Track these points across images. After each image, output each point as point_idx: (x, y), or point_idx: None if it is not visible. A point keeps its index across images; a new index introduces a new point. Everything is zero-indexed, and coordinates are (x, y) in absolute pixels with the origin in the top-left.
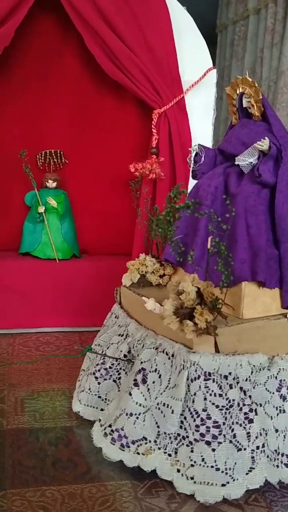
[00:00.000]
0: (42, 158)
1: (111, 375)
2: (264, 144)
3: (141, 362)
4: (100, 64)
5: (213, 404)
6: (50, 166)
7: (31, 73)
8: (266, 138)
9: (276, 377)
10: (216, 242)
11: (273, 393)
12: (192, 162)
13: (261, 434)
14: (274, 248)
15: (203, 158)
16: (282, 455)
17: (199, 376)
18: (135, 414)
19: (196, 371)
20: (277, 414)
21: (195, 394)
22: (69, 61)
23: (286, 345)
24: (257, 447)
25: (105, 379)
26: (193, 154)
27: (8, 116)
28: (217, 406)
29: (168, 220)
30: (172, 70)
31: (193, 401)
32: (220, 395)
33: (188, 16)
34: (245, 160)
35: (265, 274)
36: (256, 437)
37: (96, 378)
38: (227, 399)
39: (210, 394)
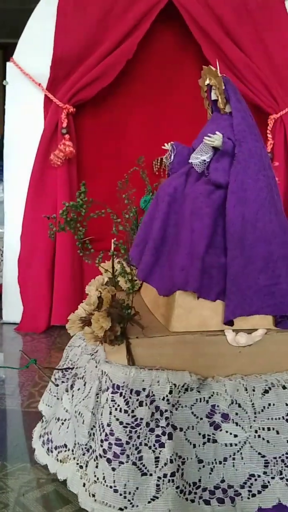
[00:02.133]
0: (158, 163)
1: (67, 379)
2: (214, 139)
3: (77, 368)
4: None
5: (117, 420)
6: (166, 172)
7: (151, 84)
8: (217, 132)
9: (207, 401)
10: (116, 244)
11: (201, 418)
12: (170, 161)
13: (172, 462)
14: (223, 256)
15: (172, 157)
16: (204, 490)
17: (107, 388)
18: (61, 420)
19: (106, 382)
20: (204, 443)
21: (103, 406)
22: (188, 70)
23: (225, 366)
24: (165, 475)
25: (62, 381)
26: (170, 153)
27: (129, 125)
28: (121, 423)
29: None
30: None
31: (102, 414)
32: (126, 412)
33: None
34: (198, 158)
35: (198, 284)
36: (165, 464)
37: (56, 379)
38: (133, 416)
39: (116, 409)
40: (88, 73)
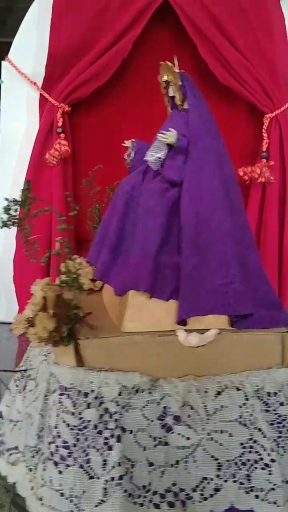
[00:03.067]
0: None
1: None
2: (168, 136)
3: (30, 369)
4: (213, 71)
5: (64, 422)
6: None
7: (146, 82)
8: (171, 129)
9: (158, 403)
10: (60, 242)
11: (152, 420)
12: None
13: (120, 465)
14: (177, 255)
15: (132, 155)
16: (155, 493)
17: (55, 390)
18: (14, 421)
19: (54, 383)
20: (155, 445)
21: (51, 408)
22: (182, 68)
23: (178, 367)
24: (112, 478)
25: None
26: (131, 151)
27: (124, 125)
28: (68, 425)
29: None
30: (285, 74)
31: (50, 416)
32: (73, 414)
33: None
34: (152, 155)
35: (149, 284)
36: (113, 467)
37: (15, 380)
38: (80, 419)
39: (63, 411)
40: (83, 72)
